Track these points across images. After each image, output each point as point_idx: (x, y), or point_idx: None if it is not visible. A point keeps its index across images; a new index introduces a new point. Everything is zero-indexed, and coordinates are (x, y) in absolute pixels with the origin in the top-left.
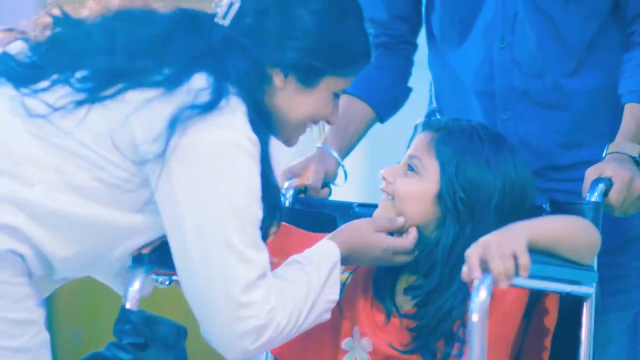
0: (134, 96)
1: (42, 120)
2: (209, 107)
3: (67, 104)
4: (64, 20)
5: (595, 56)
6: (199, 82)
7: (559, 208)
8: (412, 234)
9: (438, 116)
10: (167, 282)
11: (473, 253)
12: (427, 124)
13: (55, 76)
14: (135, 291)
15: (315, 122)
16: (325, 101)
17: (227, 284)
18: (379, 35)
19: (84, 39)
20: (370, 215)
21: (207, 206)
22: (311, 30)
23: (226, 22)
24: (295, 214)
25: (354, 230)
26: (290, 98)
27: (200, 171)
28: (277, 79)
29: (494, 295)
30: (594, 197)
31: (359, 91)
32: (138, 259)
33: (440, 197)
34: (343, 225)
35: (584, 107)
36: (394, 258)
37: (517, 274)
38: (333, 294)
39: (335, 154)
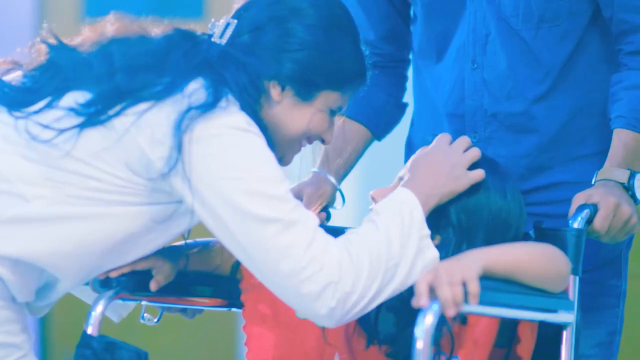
0: (133, 109)
1: (39, 144)
2: (210, 106)
3: (70, 128)
4: (58, 47)
5: (572, 75)
6: (196, 85)
7: (542, 234)
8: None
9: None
10: (155, 320)
11: (422, 280)
12: (422, 141)
13: (48, 99)
14: (97, 315)
15: (310, 139)
16: (321, 116)
17: (285, 259)
18: (370, 55)
19: (81, 63)
20: None
21: (232, 185)
22: (306, 43)
23: (223, 41)
24: None
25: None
26: (286, 111)
27: (218, 156)
28: (274, 91)
29: (468, 323)
30: (577, 223)
31: (352, 112)
32: (105, 283)
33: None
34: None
35: (555, 130)
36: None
37: (466, 301)
38: (422, 228)
39: (331, 178)
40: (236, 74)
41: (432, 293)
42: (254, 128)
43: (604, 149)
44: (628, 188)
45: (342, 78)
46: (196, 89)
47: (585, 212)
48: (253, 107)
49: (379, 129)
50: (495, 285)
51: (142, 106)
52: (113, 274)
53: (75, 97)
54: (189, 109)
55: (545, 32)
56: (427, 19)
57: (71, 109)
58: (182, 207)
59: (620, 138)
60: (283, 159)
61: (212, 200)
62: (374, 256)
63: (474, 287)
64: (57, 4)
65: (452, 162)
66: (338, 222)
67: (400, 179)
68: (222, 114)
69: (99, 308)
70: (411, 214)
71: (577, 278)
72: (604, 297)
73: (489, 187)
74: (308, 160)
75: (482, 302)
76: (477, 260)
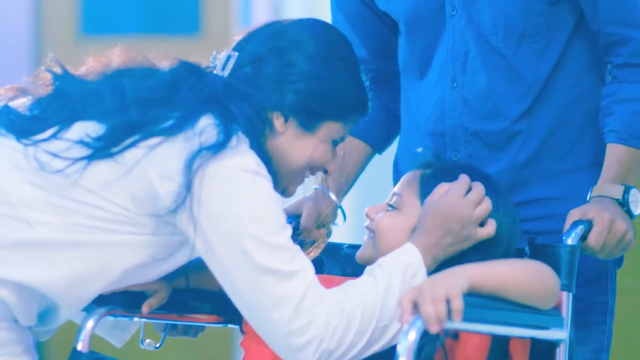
0: (144, 143)
1: (48, 173)
2: (221, 145)
3: (81, 159)
4: (64, 77)
5: (554, 89)
6: (207, 122)
7: (537, 250)
8: (492, 226)
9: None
10: (157, 345)
11: (406, 296)
12: (414, 162)
13: (56, 128)
14: (87, 331)
15: (314, 170)
16: (324, 147)
17: (276, 309)
18: (364, 72)
19: (90, 94)
20: None
21: (238, 230)
22: (307, 73)
23: (225, 73)
24: None
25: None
26: (290, 142)
27: (227, 198)
28: (278, 122)
29: (460, 339)
30: (571, 239)
31: (351, 129)
32: (96, 300)
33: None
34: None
35: (536, 145)
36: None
37: (450, 318)
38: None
39: (331, 195)
40: (241, 106)
41: (416, 309)
42: (263, 170)
43: (586, 163)
44: (623, 204)
45: (344, 107)
46: (207, 126)
47: (580, 229)
48: (259, 140)
49: (378, 143)
50: (480, 302)
51: (154, 140)
52: (106, 292)
53: (85, 128)
54: (200, 149)
55: (525, 49)
56: (409, 36)
57: (81, 141)
58: (185, 239)
59: (613, 153)
60: (286, 191)
61: (216, 240)
62: (366, 315)
63: (458, 304)
64: (53, 20)
65: (463, 221)
66: (339, 238)
67: (394, 194)
68: (233, 154)
69: (90, 324)
70: (414, 276)
71: (571, 295)
72: (590, 314)
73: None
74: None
75: (467, 319)
76: (461, 277)
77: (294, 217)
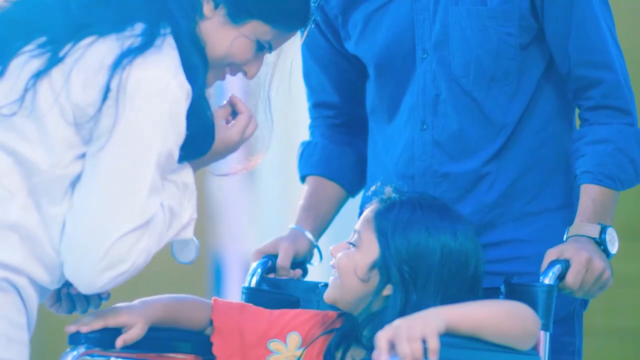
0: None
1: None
2: (144, 47)
3: (29, 80)
4: None
5: (524, 132)
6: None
7: (513, 290)
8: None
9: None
10: None
11: (383, 336)
12: (372, 198)
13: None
14: None
15: (234, 69)
16: (247, 44)
17: (107, 229)
18: (337, 116)
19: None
20: None
21: (128, 144)
22: None
23: None
24: (258, 296)
25: None
26: (213, 30)
27: (133, 111)
28: (207, 7)
29: None
30: (548, 279)
31: (325, 171)
32: (74, 339)
33: (376, 267)
34: None
35: (505, 187)
36: None
37: (426, 357)
38: None
39: (307, 234)
40: None
41: (393, 349)
42: (181, 76)
43: (555, 206)
44: (600, 243)
45: (277, 12)
46: (135, 32)
47: (557, 268)
48: (189, 26)
49: (352, 186)
50: (456, 342)
51: (88, 40)
52: (83, 329)
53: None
54: (125, 52)
55: (496, 92)
56: (378, 79)
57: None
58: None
59: (588, 193)
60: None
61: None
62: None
63: (434, 343)
64: None
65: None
66: (315, 277)
67: (354, 231)
68: (156, 62)
69: None
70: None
71: (548, 334)
72: (557, 354)
73: (438, 232)
74: (287, 217)
75: (443, 358)
76: (438, 317)
77: (270, 257)
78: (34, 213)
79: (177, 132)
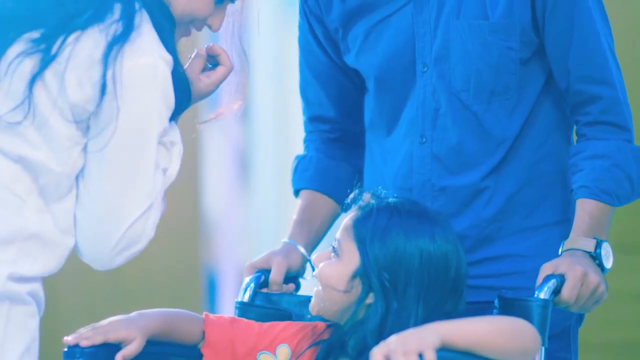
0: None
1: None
2: (128, 32)
3: (26, 87)
4: None
5: (523, 147)
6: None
7: (508, 304)
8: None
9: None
10: None
11: (378, 351)
12: (352, 205)
13: None
14: None
15: (198, 24)
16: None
17: (121, 216)
18: (333, 131)
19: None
20: None
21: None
22: None
23: None
24: (251, 311)
25: None
26: None
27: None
28: None
29: None
30: (543, 293)
31: (318, 186)
32: (69, 354)
33: (358, 276)
34: None
35: (503, 202)
36: None
37: None
38: None
39: (300, 248)
40: None
41: None
42: (162, 50)
43: (553, 221)
44: (595, 257)
45: None
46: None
47: (552, 282)
48: None
49: (345, 200)
50: (452, 356)
51: (74, 35)
52: (84, 343)
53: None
54: (112, 43)
55: (496, 106)
56: (377, 92)
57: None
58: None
59: (585, 208)
60: None
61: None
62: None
63: (430, 356)
64: None
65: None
66: (308, 291)
67: (335, 239)
68: (140, 47)
69: None
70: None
71: (543, 348)
72: None
73: (416, 236)
74: (281, 231)
75: None
76: (434, 331)
77: (262, 272)
78: (46, 213)
79: (169, 106)
